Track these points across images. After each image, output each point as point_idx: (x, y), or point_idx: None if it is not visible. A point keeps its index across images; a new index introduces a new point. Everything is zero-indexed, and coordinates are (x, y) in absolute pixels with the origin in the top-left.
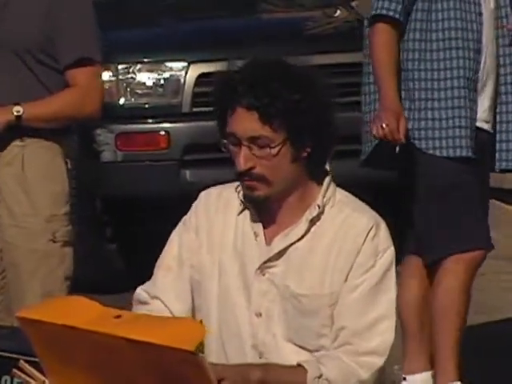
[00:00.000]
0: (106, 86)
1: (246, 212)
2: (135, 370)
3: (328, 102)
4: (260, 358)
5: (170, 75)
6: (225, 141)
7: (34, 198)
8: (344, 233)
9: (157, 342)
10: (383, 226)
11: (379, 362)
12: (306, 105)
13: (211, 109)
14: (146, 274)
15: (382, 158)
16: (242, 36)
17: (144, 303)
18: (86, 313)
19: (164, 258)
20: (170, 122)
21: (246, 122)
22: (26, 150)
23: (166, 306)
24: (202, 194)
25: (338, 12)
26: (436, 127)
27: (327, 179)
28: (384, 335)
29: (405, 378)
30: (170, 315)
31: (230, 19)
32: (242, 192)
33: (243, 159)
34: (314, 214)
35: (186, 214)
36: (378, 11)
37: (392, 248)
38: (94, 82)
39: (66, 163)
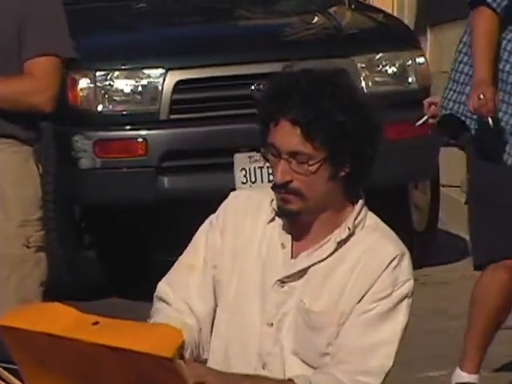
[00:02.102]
0: (84, 93)
1: (276, 221)
2: (114, 376)
3: (374, 124)
4: (263, 368)
5: (148, 82)
6: (264, 149)
7: (6, 203)
8: (367, 257)
9: (135, 349)
10: (407, 257)
11: (374, 383)
12: (351, 126)
13: (189, 116)
14: (124, 281)
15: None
16: (220, 43)
17: (166, 302)
18: (63, 319)
19: (188, 256)
20: (148, 129)
21: (287, 136)
22: None
23: (188, 305)
24: (232, 194)
25: (316, 19)
26: None
27: (361, 202)
28: (383, 360)
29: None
30: (190, 318)
31: (208, 26)
32: (275, 202)
33: (281, 173)
34: (344, 236)
35: (164, 219)
36: None
37: (412, 281)
38: (49, 73)
39: (38, 167)
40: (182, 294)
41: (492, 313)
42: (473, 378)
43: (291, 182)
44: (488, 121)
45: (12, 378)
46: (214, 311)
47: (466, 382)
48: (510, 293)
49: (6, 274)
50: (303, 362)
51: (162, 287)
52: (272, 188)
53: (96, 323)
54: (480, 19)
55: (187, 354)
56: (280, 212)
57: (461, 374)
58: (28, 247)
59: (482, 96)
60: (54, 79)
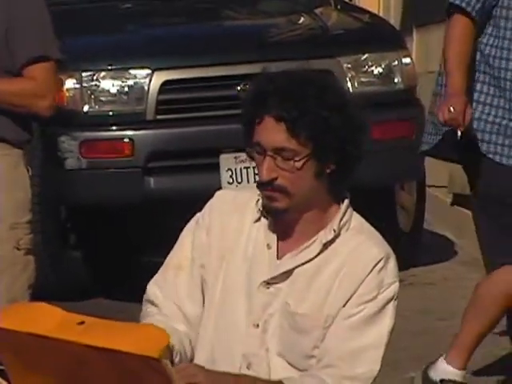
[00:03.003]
0: (70, 93)
1: (262, 221)
2: (101, 377)
3: (358, 124)
4: (248, 368)
5: (134, 83)
6: (249, 149)
7: None
8: (353, 260)
9: (120, 349)
10: (393, 259)
11: None
12: (335, 123)
13: (175, 116)
14: (110, 281)
15: (446, 150)
16: (206, 43)
17: (155, 305)
18: (48, 319)
19: (175, 256)
20: (134, 130)
21: (272, 133)
22: None
23: (178, 307)
24: (218, 193)
25: (302, 19)
26: (508, 134)
27: (346, 202)
28: (369, 365)
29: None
30: (180, 321)
31: (194, 26)
32: (261, 201)
33: (266, 170)
34: (329, 237)
35: (150, 220)
36: (457, 1)
37: (397, 283)
38: (49, 78)
39: (28, 170)
40: (171, 295)
41: (496, 314)
42: (459, 374)
43: (277, 179)
44: (457, 133)
45: None
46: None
47: (453, 379)
48: None
49: None
50: (289, 363)
51: (151, 289)
52: (257, 186)
53: (82, 323)
54: (454, 27)
55: (176, 360)
56: (266, 210)
57: (446, 369)
58: (18, 249)
59: (452, 109)
60: (54, 84)
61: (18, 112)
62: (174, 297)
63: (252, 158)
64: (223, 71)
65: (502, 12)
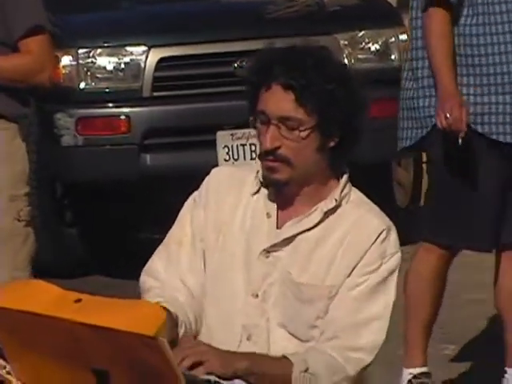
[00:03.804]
0: (67, 70)
1: (262, 192)
2: (97, 355)
3: (360, 98)
4: (248, 339)
5: (131, 59)
6: (252, 118)
7: None
8: (355, 231)
9: (117, 328)
10: (394, 231)
11: (367, 359)
12: (338, 95)
13: (171, 93)
14: (106, 258)
15: (433, 146)
16: (203, 20)
17: (158, 279)
18: (45, 297)
19: (175, 233)
20: (131, 107)
21: (280, 101)
22: None
23: (181, 280)
24: (214, 170)
25: None
26: (500, 112)
27: (345, 177)
28: (374, 335)
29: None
30: (184, 294)
31: (190, 3)
32: (260, 172)
33: (270, 138)
34: (331, 206)
35: (146, 197)
36: None
37: (399, 254)
38: (46, 50)
39: (25, 145)
40: (173, 269)
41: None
42: (424, 369)
43: (279, 148)
44: (458, 140)
45: None
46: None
47: (421, 372)
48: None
49: None
50: (290, 334)
51: (152, 265)
52: (259, 156)
53: (78, 300)
54: (435, 21)
55: (181, 332)
56: (266, 182)
57: (408, 371)
58: (19, 221)
59: (448, 115)
60: (51, 55)
61: (17, 87)
62: (176, 271)
63: (255, 128)
64: (219, 48)
65: None
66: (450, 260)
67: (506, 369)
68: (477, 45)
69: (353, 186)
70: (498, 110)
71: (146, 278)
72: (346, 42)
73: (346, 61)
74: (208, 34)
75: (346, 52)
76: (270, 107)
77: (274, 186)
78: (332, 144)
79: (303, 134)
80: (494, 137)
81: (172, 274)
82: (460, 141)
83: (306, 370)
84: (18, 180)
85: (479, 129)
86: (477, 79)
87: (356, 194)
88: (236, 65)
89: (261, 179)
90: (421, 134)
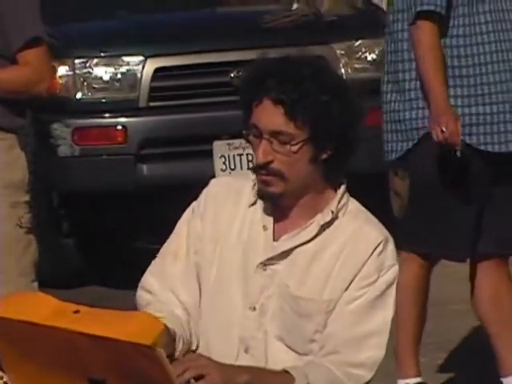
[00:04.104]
0: (63, 80)
1: (258, 204)
2: (95, 364)
3: (356, 109)
4: (245, 352)
5: (127, 70)
6: (246, 132)
7: None
8: (352, 243)
9: (115, 337)
10: (391, 242)
11: (367, 375)
12: (333, 108)
13: (168, 103)
14: (103, 269)
15: (421, 158)
16: (199, 30)
17: (152, 293)
18: (43, 308)
19: (171, 244)
20: (127, 117)
21: (270, 115)
22: None
23: (175, 295)
24: (213, 180)
25: (296, 5)
26: (487, 122)
27: (342, 187)
28: (374, 350)
29: None
30: (179, 308)
31: (187, 13)
32: (256, 185)
33: (262, 152)
34: (327, 219)
35: (143, 207)
36: (425, 7)
37: (397, 266)
38: (44, 61)
39: (24, 154)
40: (167, 283)
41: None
42: (418, 379)
43: (272, 162)
44: (456, 153)
45: None
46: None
47: (416, 382)
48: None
49: (1, 253)
50: (288, 347)
51: (147, 278)
52: (253, 170)
53: (76, 311)
54: (424, 35)
55: (180, 346)
56: (261, 195)
57: (404, 382)
58: (21, 227)
59: (444, 129)
60: (49, 65)
61: (16, 98)
62: (170, 285)
63: (248, 141)
64: (216, 58)
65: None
66: (431, 269)
67: (502, 379)
68: (463, 56)
69: (350, 195)
70: (486, 120)
71: (142, 293)
72: (343, 52)
73: (342, 70)
74: (205, 43)
75: (343, 61)
76: (261, 122)
77: (269, 199)
78: (326, 156)
79: (294, 148)
80: (482, 147)
81: (165, 288)
82: (458, 153)
83: None
84: (18, 187)
85: (467, 139)
86: (464, 90)
87: (353, 204)
88: (233, 75)
89: (256, 191)
90: (406, 147)
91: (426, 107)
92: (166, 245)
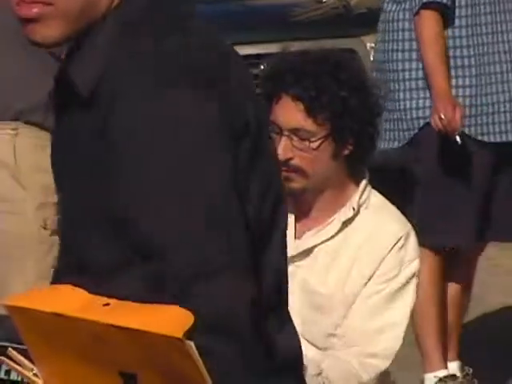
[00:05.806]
0: None
1: None
2: (126, 358)
3: (374, 103)
4: None
5: None
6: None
7: (25, 184)
8: (374, 238)
9: (145, 329)
10: (413, 236)
11: (382, 365)
12: (352, 103)
13: None
14: None
15: (420, 147)
16: (229, 22)
17: None
18: (74, 301)
19: None
20: None
21: (289, 112)
22: (18, 139)
23: None
24: None
25: None
26: (485, 112)
27: (364, 181)
28: (391, 341)
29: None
30: None
31: (216, 5)
32: None
33: (283, 149)
34: (349, 215)
35: None
36: None
37: (418, 260)
38: None
39: None
40: None
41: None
42: (446, 371)
43: (292, 159)
44: (456, 139)
45: (22, 359)
46: None
47: (445, 374)
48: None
49: (22, 255)
50: (308, 342)
51: None
52: None
53: (107, 304)
54: (428, 27)
55: None
56: None
57: (432, 375)
58: (45, 229)
59: (443, 116)
60: None
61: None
62: None
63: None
64: (245, 50)
65: None
66: (444, 260)
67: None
68: (464, 46)
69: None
70: (483, 111)
71: None
72: (373, 45)
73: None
74: (234, 36)
75: (373, 54)
76: (280, 119)
77: (291, 194)
78: (347, 151)
79: (314, 144)
80: (480, 137)
81: None
82: (458, 139)
83: (319, 374)
84: (47, 188)
85: (466, 131)
86: (465, 80)
87: (376, 198)
88: (262, 67)
89: None
90: (409, 136)
91: (428, 97)
92: None
